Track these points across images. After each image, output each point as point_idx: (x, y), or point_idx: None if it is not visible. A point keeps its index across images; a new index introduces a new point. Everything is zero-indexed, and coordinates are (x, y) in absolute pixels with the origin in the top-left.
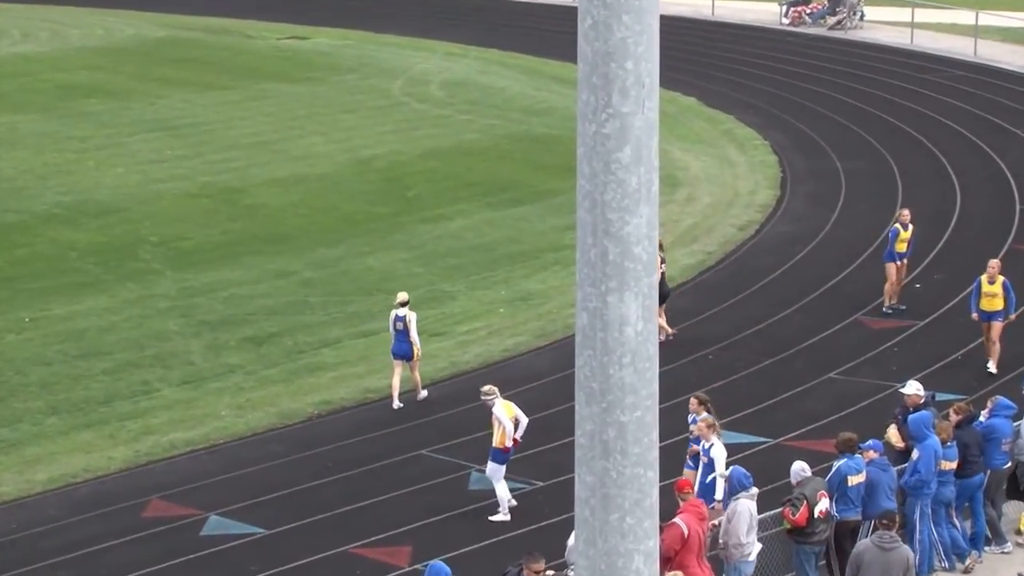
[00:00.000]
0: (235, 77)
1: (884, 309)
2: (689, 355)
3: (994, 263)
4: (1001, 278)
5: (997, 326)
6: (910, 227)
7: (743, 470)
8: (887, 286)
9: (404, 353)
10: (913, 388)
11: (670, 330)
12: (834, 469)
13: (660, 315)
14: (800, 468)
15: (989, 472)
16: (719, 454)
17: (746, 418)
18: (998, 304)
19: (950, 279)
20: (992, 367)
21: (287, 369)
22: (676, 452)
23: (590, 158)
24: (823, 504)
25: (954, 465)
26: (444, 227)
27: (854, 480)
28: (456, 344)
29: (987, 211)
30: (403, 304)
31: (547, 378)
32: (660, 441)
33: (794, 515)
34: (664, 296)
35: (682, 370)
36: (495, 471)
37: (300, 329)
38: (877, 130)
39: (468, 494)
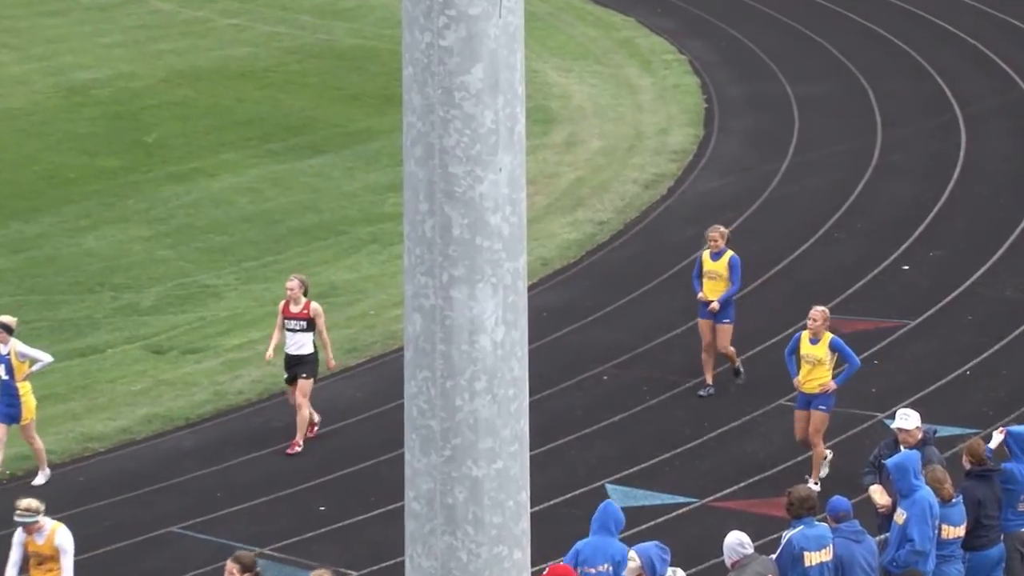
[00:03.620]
0: None
1: (699, 392)
2: (573, 376)
3: (818, 313)
4: (829, 336)
5: (819, 418)
6: (725, 255)
7: (658, 546)
8: (703, 352)
9: (12, 415)
10: (913, 421)
11: (316, 419)
12: (785, 542)
13: (302, 400)
14: (737, 542)
15: (1003, 538)
16: None
17: (658, 468)
18: (822, 377)
19: (952, 257)
20: (814, 482)
21: None
22: (555, 520)
23: (423, 84)
24: None
25: (961, 532)
26: (203, 189)
27: (815, 558)
28: (222, 365)
29: (1004, 155)
30: (7, 330)
31: (361, 414)
32: (532, 505)
33: None
34: (309, 366)
35: (563, 399)
36: None
37: None
38: (845, 38)
39: None
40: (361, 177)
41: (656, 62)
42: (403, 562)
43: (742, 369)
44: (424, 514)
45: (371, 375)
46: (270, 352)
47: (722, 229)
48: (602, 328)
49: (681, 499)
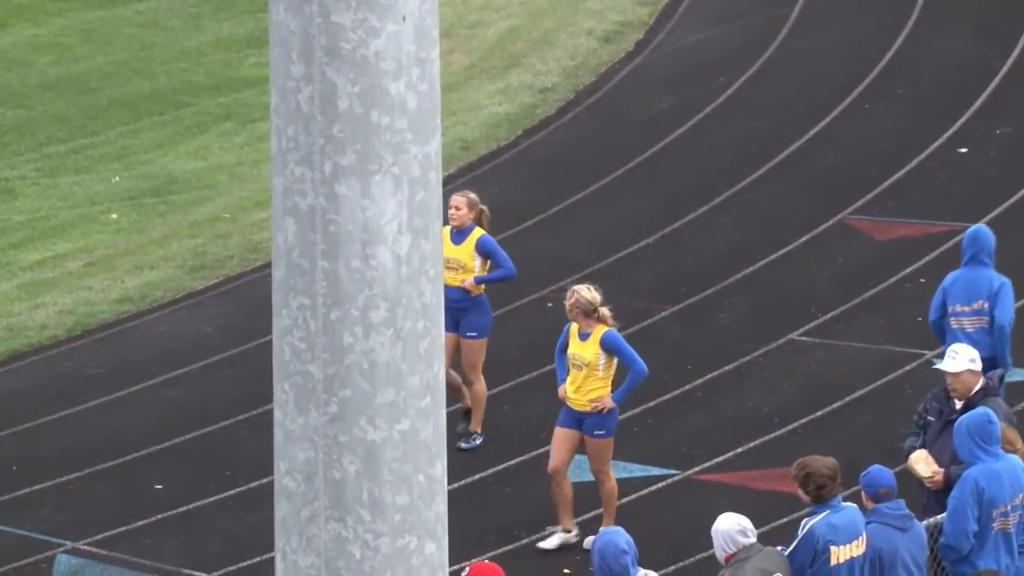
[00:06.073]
0: None
1: (460, 444)
2: (506, 303)
3: (577, 292)
4: (602, 329)
5: (597, 447)
6: (471, 236)
7: (622, 536)
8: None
9: None
10: (962, 362)
11: None
12: (804, 532)
13: None
14: (736, 528)
15: None
16: None
17: (624, 428)
18: (596, 389)
19: None
20: (564, 530)
21: None
22: (481, 501)
23: None
24: None
25: None
26: None
27: (843, 553)
28: (18, 289)
29: None
30: None
31: (211, 357)
32: (449, 481)
33: None
34: None
35: (493, 335)
36: None
37: None
38: None
39: None
40: (210, 28)
41: None
42: (272, 560)
43: (480, 432)
44: (301, 494)
45: (225, 303)
46: None
47: (471, 195)
48: (545, 236)
49: (655, 471)
